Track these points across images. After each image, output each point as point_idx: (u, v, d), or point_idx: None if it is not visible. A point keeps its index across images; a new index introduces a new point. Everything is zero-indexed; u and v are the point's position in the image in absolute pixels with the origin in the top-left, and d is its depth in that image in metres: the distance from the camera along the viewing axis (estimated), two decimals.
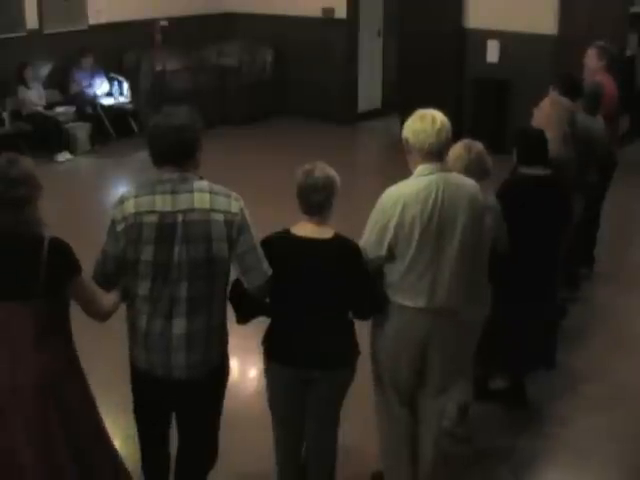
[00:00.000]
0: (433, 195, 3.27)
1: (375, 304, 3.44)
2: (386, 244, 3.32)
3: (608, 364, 5.10)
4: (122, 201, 3.00)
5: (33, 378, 2.89)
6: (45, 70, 9.73)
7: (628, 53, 9.89)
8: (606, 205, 6.24)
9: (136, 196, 2.98)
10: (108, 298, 3.07)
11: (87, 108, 10.05)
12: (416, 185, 3.31)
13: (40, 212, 2.91)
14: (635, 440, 4.35)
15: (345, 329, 3.37)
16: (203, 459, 3.40)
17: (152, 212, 2.94)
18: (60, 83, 10.11)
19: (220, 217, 2.97)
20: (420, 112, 3.37)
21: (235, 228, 2.99)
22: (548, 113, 4.91)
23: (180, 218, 2.94)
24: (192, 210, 2.95)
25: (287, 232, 3.27)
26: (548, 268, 4.37)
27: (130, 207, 2.96)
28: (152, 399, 3.24)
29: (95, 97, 10.15)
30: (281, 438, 3.51)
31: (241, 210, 3.03)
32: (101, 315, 3.07)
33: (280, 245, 3.22)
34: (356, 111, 11.53)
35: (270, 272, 3.12)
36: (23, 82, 9.46)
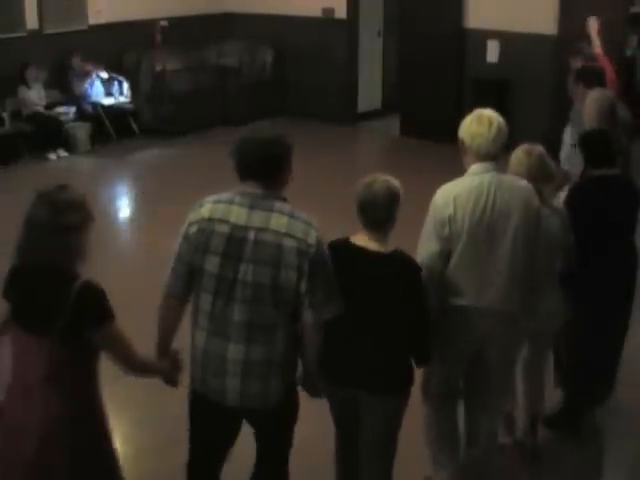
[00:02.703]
0: (485, 193, 3.27)
1: (425, 345, 3.21)
2: (444, 236, 3.29)
3: None
4: (201, 204, 2.88)
5: (38, 418, 2.72)
6: (45, 70, 9.73)
7: (628, 53, 9.90)
8: None
9: (214, 202, 2.86)
10: (142, 355, 2.88)
11: (87, 107, 10.07)
12: (469, 183, 3.32)
13: (89, 243, 2.76)
14: None
15: (398, 352, 3.14)
16: None
17: (225, 222, 2.79)
18: (60, 83, 10.11)
19: (293, 244, 2.75)
20: (477, 113, 3.37)
21: (308, 260, 2.76)
22: (589, 109, 4.77)
23: (252, 235, 2.77)
24: (266, 230, 2.77)
25: (346, 240, 3.13)
26: (624, 272, 4.19)
27: (205, 212, 2.83)
28: (206, 428, 3.05)
29: (96, 77, 10.14)
30: (340, 454, 3.42)
31: (318, 242, 2.79)
32: (132, 370, 2.88)
33: (337, 252, 2.99)
34: (356, 111, 11.52)
35: (343, 308, 2.88)
36: (24, 82, 9.47)
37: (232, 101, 11.07)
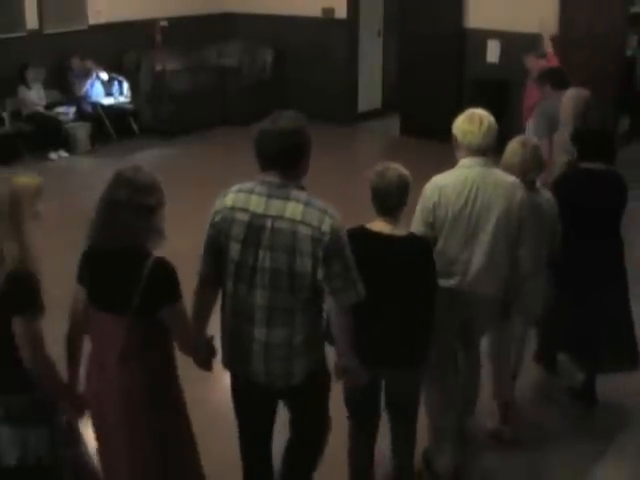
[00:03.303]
0: (468, 187, 3.54)
1: (430, 322, 3.37)
2: (429, 222, 3.57)
3: None
4: (226, 194, 3.01)
5: (114, 392, 2.82)
6: (45, 70, 9.73)
7: (628, 53, 9.89)
8: None
9: (237, 191, 2.98)
10: (200, 338, 3.04)
11: (87, 108, 10.07)
12: (455, 176, 3.60)
13: (163, 223, 2.85)
14: None
15: (415, 327, 3.33)
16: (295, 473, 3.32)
17: (245, 210, 2.91)
18: (60, 83, 10.11)
19: (308, 231, 2.82)
20: (469, 112, 3.64)
21: (322, 247, 2.81)
22: (566, 106, 5.07)
23: (269, 223, 2.86)
24: (281, 218, 2.85)
25: (362, 227, 3.31)
26: (608, 256, 4.30)
27: (229, 200, 2.97)
28: (244, 408, 3.21)
29: (96, 77, 10.13)
30: (355, 434, 3.57)
31: (333, 229, 2.83)
32: (189, 350, 2.98)
33: (355, 239, 3.05)
34: (356, 111, 11.53)
35: (364, 294, 2.92)
36: (24, 82, 9.47)
37: (232, 101, 11.07)
